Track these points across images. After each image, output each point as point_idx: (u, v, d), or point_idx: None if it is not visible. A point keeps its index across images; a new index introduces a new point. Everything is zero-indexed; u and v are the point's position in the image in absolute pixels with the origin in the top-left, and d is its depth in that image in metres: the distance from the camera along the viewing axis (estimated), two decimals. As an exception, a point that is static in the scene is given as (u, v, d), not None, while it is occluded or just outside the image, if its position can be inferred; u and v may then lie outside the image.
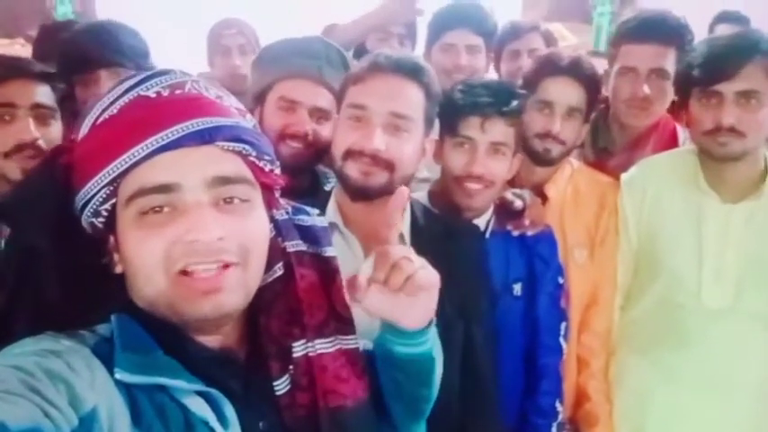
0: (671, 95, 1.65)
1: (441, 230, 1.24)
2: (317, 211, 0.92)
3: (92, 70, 1.50)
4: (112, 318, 0.68)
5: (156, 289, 0.66)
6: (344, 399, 0.79)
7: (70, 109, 1.40)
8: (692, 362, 1.49)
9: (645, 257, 1.57)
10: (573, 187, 1.61)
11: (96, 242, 0.71)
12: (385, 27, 2.01)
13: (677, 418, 1.52)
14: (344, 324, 0.83)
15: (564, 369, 1.49)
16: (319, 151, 1.43)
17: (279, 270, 0.80)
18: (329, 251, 0.86)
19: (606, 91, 1.72)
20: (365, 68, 1.19)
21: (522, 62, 2.01)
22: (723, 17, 3.09)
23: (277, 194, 0.81)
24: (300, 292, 0.80)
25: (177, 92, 0.69)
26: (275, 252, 0.79)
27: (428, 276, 0.76)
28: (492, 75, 2.12)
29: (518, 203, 1.44)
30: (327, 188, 1.41)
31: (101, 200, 0.68)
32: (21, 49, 3.27)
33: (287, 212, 0.85)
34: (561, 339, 1.46)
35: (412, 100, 1.17)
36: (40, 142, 1.30)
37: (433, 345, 0.84)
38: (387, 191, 1.17)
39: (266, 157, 0.74)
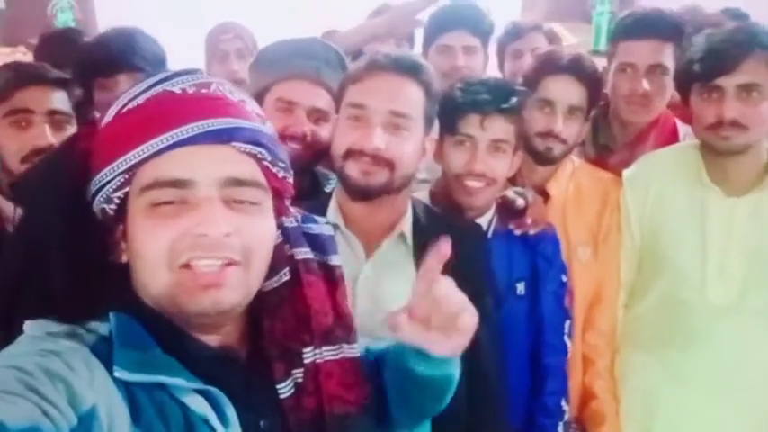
0: (670, 91, 1.65)
1: (443, 230, 1.23)
2: (324, 219, 0.93)
3: (112, 74, 1.56)
4: (111, 316, 0.68)
5: (160, 282, 0.67)
6: (349, 405, 0.80)
7: (86, 115, 1.42)
8: (698, 359, 1.48)
9: (648, 254, 1.56)
10: (575, 185, 1.60)
11: (104, 234, 0.71)
12: (383, 37, 2.01)
13: (684, 414, 1.51)
14: (348, 332, 0.84)
15: (569, 368, 1.48)
16: (318, 152, 1.43)
17: (285, 275, 0.80)
18: (335, 259, 0.87)
19: (606, 88, 1.72)
20: (364, 67, 1.18)
21: (525, 62, 2.01)
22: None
23: (287, 202, 0.82)
24: (308, 298, 0.81)
25: (203, 90, 0.70)
26: (281, 258, 0.80)
27: (470, 320, 0.71)
28: (490, 75, 2.11)
29: (520, 202, 1.43)
30: (327, 190, 1.41)
31: (114, 187, 0.69)
32: (22, 57, 3.28)
33: (296, 220, 0.86)
34: (566, 338, 1.45)
35: (411, 98, 1.17)
36: None
37: (456, 367, 0.82)
38: (387, 190, 1.17)
39: (281, 164, 0.75)
